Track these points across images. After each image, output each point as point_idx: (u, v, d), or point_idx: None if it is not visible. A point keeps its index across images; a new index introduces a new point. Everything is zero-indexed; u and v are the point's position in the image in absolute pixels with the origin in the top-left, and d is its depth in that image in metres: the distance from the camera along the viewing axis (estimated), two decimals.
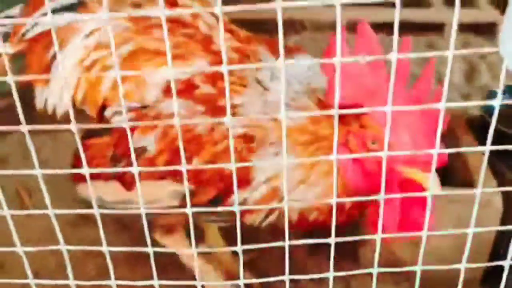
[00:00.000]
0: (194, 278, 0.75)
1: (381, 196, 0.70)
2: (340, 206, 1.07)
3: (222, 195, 1.06)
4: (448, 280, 1.40)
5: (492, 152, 1.49)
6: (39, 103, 1.21)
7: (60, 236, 0.67)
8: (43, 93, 1.19)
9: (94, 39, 1.14)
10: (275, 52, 1.13)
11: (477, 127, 1.64)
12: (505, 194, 1.36)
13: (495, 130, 1.50)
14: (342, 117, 1.03)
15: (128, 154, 1.06)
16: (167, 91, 1.07)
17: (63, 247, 0.68)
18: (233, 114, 1.03)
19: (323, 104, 1.07)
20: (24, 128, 0.57)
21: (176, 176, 1.06)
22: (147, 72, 1.09)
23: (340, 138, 1.03)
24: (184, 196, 1.06)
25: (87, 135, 1.15)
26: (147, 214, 1.13)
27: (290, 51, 1.17)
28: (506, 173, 1.49)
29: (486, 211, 1.35)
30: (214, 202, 1.06)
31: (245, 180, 1.03)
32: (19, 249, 0.69)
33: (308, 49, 1.21)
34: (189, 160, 1.03)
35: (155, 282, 0.71)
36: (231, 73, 1.05)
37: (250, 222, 1.09)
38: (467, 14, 2.51)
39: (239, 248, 0.68)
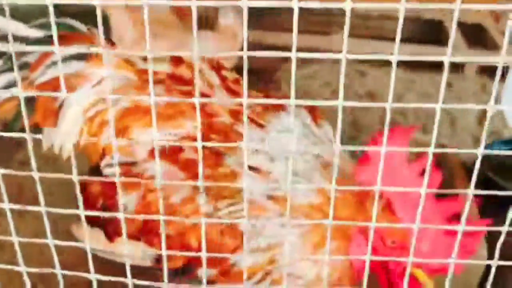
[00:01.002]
0: None
1: None
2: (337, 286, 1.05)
3: (191, 266, 1.05)
4: None
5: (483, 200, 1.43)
6: (45, 143, 1.20)
7: None
8: (50, 135, 1.19)
9: (102, 88, 1.14)
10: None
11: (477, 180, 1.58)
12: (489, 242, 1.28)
13: (490, 180, 1.44)
14: (363, 203, 0.97)
15: (115, 207, 1.02)
16: (153, 152, 1.01)
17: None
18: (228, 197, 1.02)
19: (340, 182, 0.98)
20: (36, 175, 0.69)
21: (148, 240, 1.06)
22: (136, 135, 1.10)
23: (360, 227, 1.00)
24: (155, 260, 1.08)
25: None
26: None
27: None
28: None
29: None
30: (183, 271, 1.05)
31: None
32: None
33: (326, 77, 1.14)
34: (159, 227, 0.99)
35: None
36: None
37: None
38: (487, 57, 2.43)
39: None
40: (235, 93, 1.16)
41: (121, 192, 1.03)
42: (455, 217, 0.94)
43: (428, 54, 2.42)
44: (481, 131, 1.87)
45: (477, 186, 1.49)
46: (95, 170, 1.15)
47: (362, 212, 0.99)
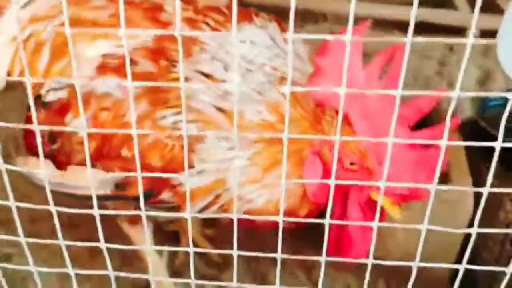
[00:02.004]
0: None
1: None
2: (294, 214, 0.93)
3: (153, 190, 0.94)
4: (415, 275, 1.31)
5: (475, 152, 1.34)
6: None
7: None
8: None
9: (29, 11, 1.01)
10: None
11: (468, 131, 1.45)
12: (477, 194, 1.21)
13: (487, 133, 1.35)
14: (319, 122, 0.87)
15: (61, 136, 0.91)
16: (101, 67, 0.94)
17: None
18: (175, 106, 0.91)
19: (296, 98, 0.87)
20: None
21: (105, 165, 0.93)
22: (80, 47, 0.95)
23: (313, 145, 0.89)
24: (115, 186, 0.92)
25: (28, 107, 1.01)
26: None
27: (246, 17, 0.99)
28: (484, 173, 1.35)
29: (457, 210, 1.26)
30: (148, 194, 0.93)
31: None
32: None
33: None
34: (117, 150, 0.92)
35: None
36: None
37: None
38: (490, 20, 2.30)
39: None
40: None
41: (72, 117, 0.95)
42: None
43: (431, 17, 2.29)
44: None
45: (469, 135, 1.42)
46: (37, 99, 1.01)
47: (318, 130, 0.88)
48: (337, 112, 0.85)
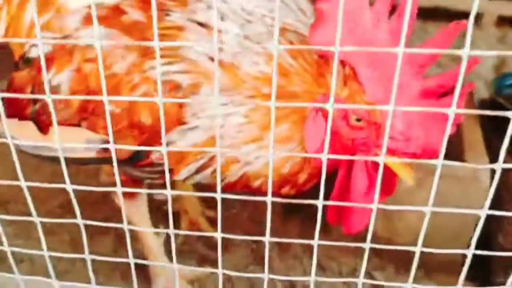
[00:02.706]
0: None
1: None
2: (293, 180, 0.80)
3: (143, 151, 0.86)
4: (425, 261, 1.21)
5: (490, 130, 1.26)
6: None
7: None
8: None
9: None
10: None
11: (486, 107, 1.45)
12: (494, 172, 1.12)
13: (505, 110, 1.29)
14: (323, 73, 0.78)
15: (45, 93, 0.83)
16: (88, 18, 0.86)
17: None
18: (167, 56, 0.82)
19: (298, 51, 0.78)
20: None
21: (91, 124, 0.86)
22: None
23: (316, 101, 0.81)
24: (102, 148, 0.84)
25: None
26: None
27: None
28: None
29: (473, 188, 1.16)
30: (135, 157, 0.86)
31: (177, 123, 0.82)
32: None
33: None
34: (102, 105, 0.81)
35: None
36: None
37: (178, 178, 0.88)
38: (507, 6, 2.21)
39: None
40: None
41: (55, 72, 0.86)
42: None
43: (444, 5, 2.20)
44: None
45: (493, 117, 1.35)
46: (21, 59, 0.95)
47: (322, 85, 0.79)
48: (342, 63, 0.76)
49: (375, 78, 0.73)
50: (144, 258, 1.20)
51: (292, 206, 1.42)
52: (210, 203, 1.41)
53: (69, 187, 0.59)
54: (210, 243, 1.34)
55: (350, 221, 0.83)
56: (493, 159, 1.25)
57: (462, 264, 1.25)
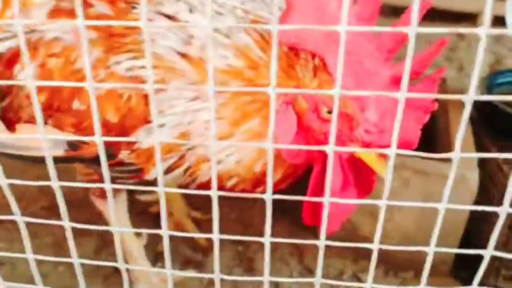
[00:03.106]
0: None
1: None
2: (266, 179, 0.77)
3: (112, 148, 0.81)
4: (415, 263, 1.17)
5: (480, 127, 1.23)
6: None
7: None
8: None
9: None
10: None
11: (476, 105, 1.36)
12: (484, 172, 1.14)
13: (495, 109, 1.26)
14: (292, 67, 0.75)
15: (10, 91, 0.80)
16: (54, 11, 0.82)
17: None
18: (132, 51, 0.78)
19: (266, 42, 0.75)
20: None
21: (57, 122, 0.82)
22: None
23: (286, 95, 0.77)
24: (70, 146, 0.81)
25: None
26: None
27: None
28: (492, 151, 1.23)
29: (460, 188, 1.12)
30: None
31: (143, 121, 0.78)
32: None
33: None
34: (68, 101, 0.80)
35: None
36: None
37: (148, 177, 0.84)
38: (503, 7, 2.17)
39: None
40: None
41: (20, 68, 0.82)
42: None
43: (439, 6, 2.16)
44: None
45: (479, 112, 1.30)
46: None
47: (293, 77, 0.76)
48: (312, 54, 0.73)
49: (344, 68, 0.69)
50: (126, 261, 1.16)
51: (280, 208, 1.39)
52: (195, 204, 1.38)
53: (54, 184, 0.56)
54: (195, 245, 1.30)
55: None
56: (483, 158, 1.22)
57: (453, 266, 1.22)
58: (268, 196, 0.51)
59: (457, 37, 2.16)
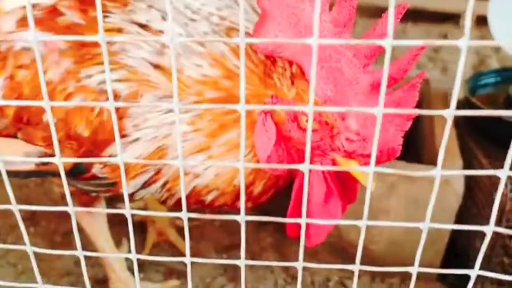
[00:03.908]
0: None
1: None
2: (247, 192, 0.76)
3: (85, 165, 0.78)
4: (402, 261, 1.15)
5: (466, 131, 1.21)
6: None
7: None
8: None
9: None
10: None
11: (460, 107, 1.33)
12: (468, 176, 1.12)
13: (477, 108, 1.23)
14: (269, 76, 0.72)
15: None
16: (23, 20, 0.78)
17: None
18: (103, 63, 0.72)
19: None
20: None
21: (27, 135, 0.79)
22: None
23: (266, 103, 0.74)
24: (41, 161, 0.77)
25: None
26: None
27: None
28: (477, 154, 1.20)
29: (446, 193, 1.10)
30: (76, 170, 0.74)
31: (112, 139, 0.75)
32: None
33: None
34: (38, 115, 0.76)
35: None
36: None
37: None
38: (486, 7, 2.16)
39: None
40: None
41: None
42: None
43: (422, 6, 2.15)
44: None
45: (466, 116, 1.30)
46: None
47: (270, 86, 0.72)
48: (289, 62, 0.70)
49: (322, 75, 0.66)
50: (106, 273, 1.13)
51: (264, 215, 1.35)
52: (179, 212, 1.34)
53: (14, 207, 0.52)
54: (179, 255, 1.26)
55: (309, 234, 0.76)
56: (467, 159, 1.20)
57: (439, 272, 1.20)
58: (242, 218, 0.48)
59: (440, 38, 2.15)
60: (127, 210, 0.49)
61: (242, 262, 0.49)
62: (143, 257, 0.53)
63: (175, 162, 0.46)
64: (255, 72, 0.72)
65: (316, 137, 0.70)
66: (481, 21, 2.17)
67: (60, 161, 0.45)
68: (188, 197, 0.80)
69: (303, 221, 0.46)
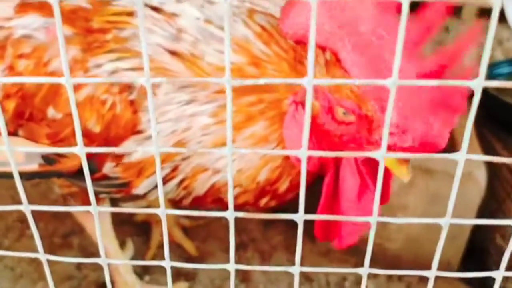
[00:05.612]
0: None
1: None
2: (272, 189, 0.67)
3: (95, 161, 0.70)
4: (420, 266, 1.08)
5: (483, 123, 1.15)
6: None
7: None
8: None
9: None
10: None
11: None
12: (489, 168, 1.06)
13: (495, 100, 1.18)
14: (301, 60, 0.64)
15: None
16: (22, 5, 0.71)
17: None
18: (116, 51, 0.67)
19: (269, 34, 0.64)
20: None
21: (29, 132, 0.71)
22: None
23: (296, 95, 0.66)
24: (45, 160, 0.69)
25: None
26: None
27: None
28: (496, 145, 1.16)
29: (467, 186, 1.04)
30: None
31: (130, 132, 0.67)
32: None
33: None
34: (42, 109, 0.69)
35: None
36: None
37: (137, 192, 0.74)
38: None
39: None
40: None
41: None
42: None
43: None
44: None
45: (484, 105, 1.25)
46: None
47: (302, 74, 0.65)
48: (322, 48, 0.62)
49: (362, 63, 0.59)
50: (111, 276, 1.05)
51: (276, 213, 1.29)
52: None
53: (25, 207, 0.45)
54: (186, 256, 1.19)
55: (341, 234, 0.69)
56: (486, 152, 1.14)
57: (458, 269, 1.14)
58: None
59: (444, 31, 2.09)
60: (161, 209, 0.41)
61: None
62: (178, 264, 0.46)
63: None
64: (284, 58, 0.65)
65: (352, 129, 0.63)
66: (482, 13, 2.13)
67: (83, 151, 0.38)
68: (205, 195, 0.72)
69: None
